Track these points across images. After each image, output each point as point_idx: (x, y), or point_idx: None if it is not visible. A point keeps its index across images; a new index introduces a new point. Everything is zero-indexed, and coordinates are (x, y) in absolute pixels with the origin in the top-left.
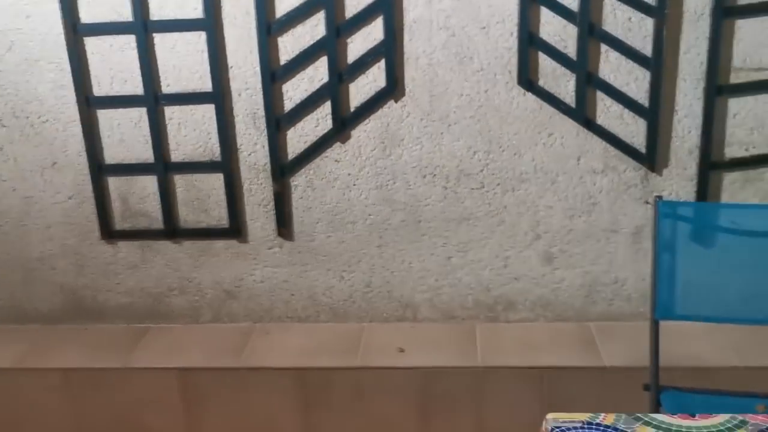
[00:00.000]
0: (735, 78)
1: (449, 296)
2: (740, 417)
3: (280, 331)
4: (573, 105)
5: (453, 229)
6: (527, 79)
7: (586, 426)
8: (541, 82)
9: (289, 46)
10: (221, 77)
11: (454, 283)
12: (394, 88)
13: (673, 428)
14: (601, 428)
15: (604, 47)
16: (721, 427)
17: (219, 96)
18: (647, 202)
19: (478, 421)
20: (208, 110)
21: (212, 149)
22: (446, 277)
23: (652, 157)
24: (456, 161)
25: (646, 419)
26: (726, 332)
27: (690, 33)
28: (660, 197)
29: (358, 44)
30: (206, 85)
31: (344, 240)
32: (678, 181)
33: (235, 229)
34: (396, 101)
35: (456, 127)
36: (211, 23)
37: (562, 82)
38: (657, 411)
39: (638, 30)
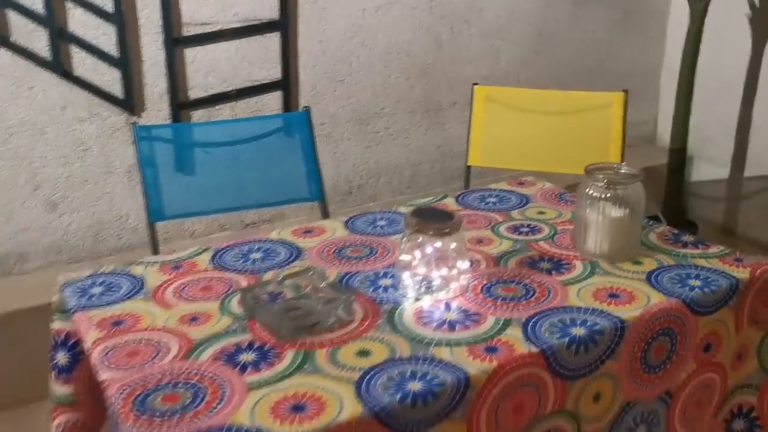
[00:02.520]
0: (186, 31)
1: None
2: None
3: None
4: (50, 58)
5: None
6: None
7: (91, 276)
8: (13, 38)
9: None
10: None
11: None
12: None
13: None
14: (104, 275)
15: (69, 4)
16: None
17: None
18: (134, 143)
19: (9, 369)
20: None
21: None
22: None
23: (129, 102)
24: None
25: (139, 261)
26: None
27: None
28: (135, 123)
29: None
30: None
31: None
32: (156, 121)
33: None
34: None
35: None
36: None
37: (36, 38)
38: None
39: None
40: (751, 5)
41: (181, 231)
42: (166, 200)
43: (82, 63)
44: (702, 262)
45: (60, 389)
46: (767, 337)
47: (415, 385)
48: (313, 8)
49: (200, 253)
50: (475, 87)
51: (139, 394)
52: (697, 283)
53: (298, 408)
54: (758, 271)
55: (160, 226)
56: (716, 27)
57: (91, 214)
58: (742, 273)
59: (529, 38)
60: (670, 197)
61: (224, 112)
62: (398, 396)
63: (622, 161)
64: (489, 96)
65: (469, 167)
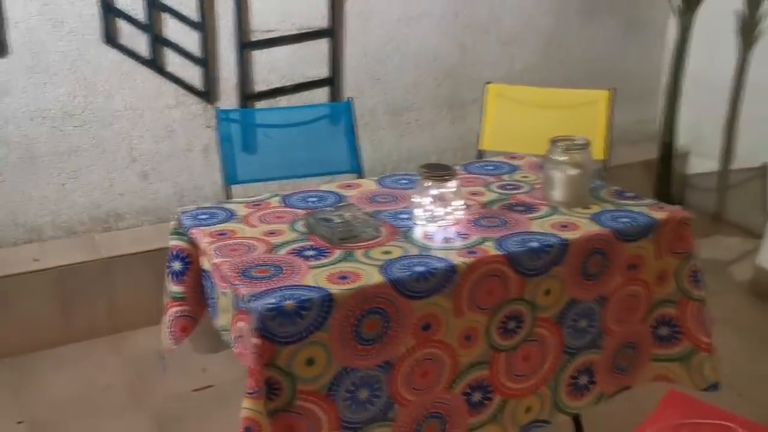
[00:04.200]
0: (254, 37)
1: (68, 216)
2: None
3: None
4: (149, 57)
5: (64, 161)
6: (111, 39)
7: (198, 209)
8: (122, 41)
9: None
10: None
11: (71, 205)
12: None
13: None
14: (206, 209)
15: (165, 15)
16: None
17: None
18: (209, 126)
19: (111, 302)
20: None
21: None
22: (63, 201)
23: (208, 94)
24: (60, 105)
25: (229, 201)
26: None
27: (221, 5)
28: (218, 107)
29: None
30: None
31: None
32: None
33: None
34: (2, 58)
35: (57, 77)
36: None
37: (138, 41)
38: None
39: (188, 2)
40: (737, 19)
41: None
42: (239, 168)
43: (172, 61)
44: (634, 208)
45: (174, 288)
46: (682, 264)
47: (418, 268)
48: (357, 19)
49: (272, 197)
50: (488, 85)
51: (242, 268)
52: (626, 220)
53: (343, 278)
54: (673, 214)
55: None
56: (708, 37)
57: (175, 183)
58: (660, 215)
59: (540, 46)
60: (661, 184)
61: (282, 103)
62: (407, 273)
63: (608, 147)
64: (499, 92)
65: (480, 151)
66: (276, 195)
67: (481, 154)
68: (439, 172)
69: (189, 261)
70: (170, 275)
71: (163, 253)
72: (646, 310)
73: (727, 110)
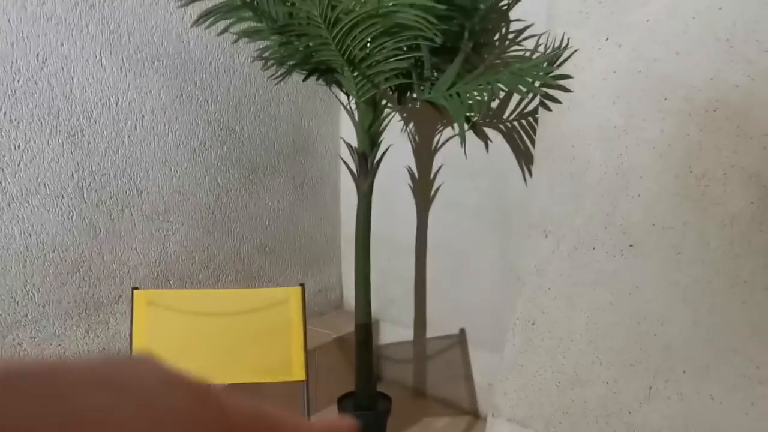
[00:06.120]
0: None
1: None
2: None
3: None
4: None
5: None
6: None
7: None
8: None
9: None
10: None
11: None
12: None
13: None
14: None
15: None
16: None
17: None
18: None
19: None
20: None
21: None
22: None
23: None
24: None
25: None
26: None
27: None
28: None
29: None
30: None
31: None
32: None
33: None
34: None
35: None
36: None
37: None
38: None
39: None
40: (412, 178)
41: None
42: None
43: None
44: None
45: None
46: None
47: None
48: None
49: None
50: (135, 292)
51: None
52: None
53: None
54: None
55: None
56: (387, 199)
57: None
58: None
59: (201, 217)
60: (361, 370)
61: None
62: None
63: (306, 354)
64: (152, 300)
65: None
66: None
67: None
68: None
69: None
70: None
71: None
72: None
73: (414, 273)
